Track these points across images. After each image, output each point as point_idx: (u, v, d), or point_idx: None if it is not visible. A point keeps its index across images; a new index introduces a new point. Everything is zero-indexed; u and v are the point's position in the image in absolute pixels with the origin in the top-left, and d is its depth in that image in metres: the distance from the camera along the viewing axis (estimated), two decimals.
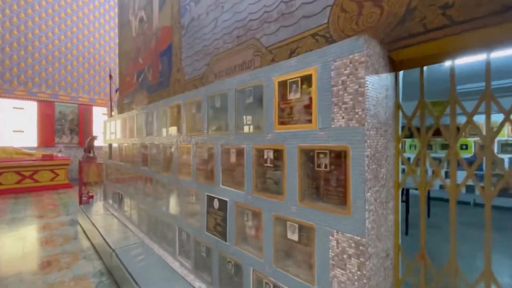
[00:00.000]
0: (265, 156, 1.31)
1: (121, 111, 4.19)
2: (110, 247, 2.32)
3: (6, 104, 6.97)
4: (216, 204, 1.61)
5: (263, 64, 1.72)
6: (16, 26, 6.98)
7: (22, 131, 7.25)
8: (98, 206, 3.76)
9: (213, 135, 1.65)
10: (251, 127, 1.45)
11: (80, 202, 4.47)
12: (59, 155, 7.04)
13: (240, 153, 1.46)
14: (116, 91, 4.45)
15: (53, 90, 7.56)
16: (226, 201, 1.53)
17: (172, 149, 2.15)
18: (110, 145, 3.77)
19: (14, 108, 7.10)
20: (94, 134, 7.77)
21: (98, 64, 8.38)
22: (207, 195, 1.69)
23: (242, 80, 1.43)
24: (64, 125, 7.82)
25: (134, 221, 2.84)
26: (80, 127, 7.99)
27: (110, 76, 4.26)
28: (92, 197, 3.95)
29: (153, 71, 2.98)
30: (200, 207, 1.76)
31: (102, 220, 3.14)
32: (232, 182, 1.52)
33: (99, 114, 8.50)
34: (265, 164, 1.31)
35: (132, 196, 2.91)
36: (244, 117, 1.48)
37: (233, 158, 1.52)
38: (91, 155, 7.51)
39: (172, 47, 2.74)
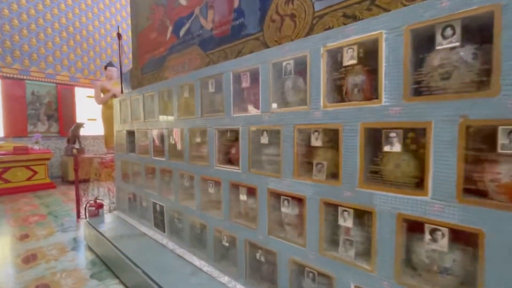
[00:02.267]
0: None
1: (138, 84, 2.98)
2: None
3: None
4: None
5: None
6: None
7: None
8: (114, 220, 2.61)
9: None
10: None
11: (78, 215, 3.26)
12: (36, 147, 5.56)
13: None
14: (122, 55, 3.16)
15: (22, 64, 5.92)
16: None
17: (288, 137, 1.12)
18: (131, 133, 2.60)
19: None
20: (79, 120, 6.30)
21: (79, 34, 6.76)
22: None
23: None
24: (39, 109, 6.24)
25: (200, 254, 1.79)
26: (60, 112, 6.45)
27: (119, 36, 3.00)
28: (101, 206, 2.78)
29: (219, 11, 1.84)
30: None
31: (142, 249, 2.02)
32: None
33: (82, 97, 6.96)
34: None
35: (193, 212, 1.84)
36: None
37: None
38: (77, 146, 6.08)
39: None
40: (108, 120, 6.41)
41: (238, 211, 1.55)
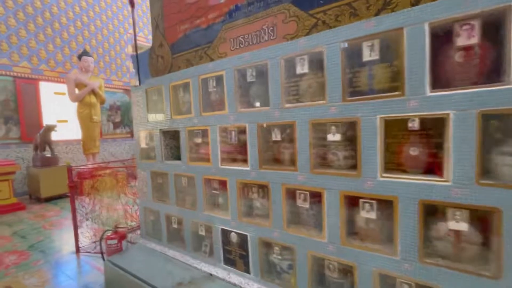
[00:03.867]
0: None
1: (164, 68, 2.19)
2: None
3: None
4: None
5: None
6: None
7: None
8: (149, 255, 1.85)
9: None
10: None
11: (77, 248, 2.41)
12: None
13: None
14: (136, 29, 2.36)
15: None
16: None
17: None
18: (170, 134, 1.86)
19: None
20: (48, 122, 5.10)
21: (41, 16, 5.48)
22: None
23: None
24: None
25: None
26: (21, 112, 5.17)
27: (132, 3, 2.20)
28: (124, 237, 1.99)
29: None
30: None
31: None
32: None
33: (50, 93, 5.70)
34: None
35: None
36: None
37: None
38: (49, 154, 4.93)
39: None
40: (86, 121, 5.30)
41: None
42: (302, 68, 1.20)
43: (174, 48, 2.07)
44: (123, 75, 6.79)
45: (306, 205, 1.25)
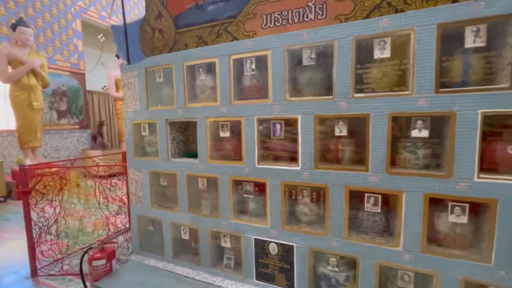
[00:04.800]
0: None
1: (164, 45, 1.78)
2: None
3: None
4: None
5: None
6: None
7: None
8: (150, 277, 1.48)
9: None
10: None
11: (35, 270, 1.89)
12: None
13: None
14: None
15: None
16: None
17: None
18: (179, 126, 1.51)
19: None
20: None
21: None
22: None
23: None
24: None
25: None
26: None
27: None
28: (114, 255, 1.58)
29: None
30: None
31: None
32: None
33: None
34: None
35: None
36: None
37: None
38: None
39: None
40: (23, 108, 4.27)
41: None
42: (382, 52, 1.03)
43: (178, 21, 1.69)
44: (71, 55, 5.71)
45: (376, 209, 1.10)
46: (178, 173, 1.52)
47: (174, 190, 1.57)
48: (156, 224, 1.66)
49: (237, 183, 1.38)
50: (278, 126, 1.24)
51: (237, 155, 1.36)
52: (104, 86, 6.91)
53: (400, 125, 1.05)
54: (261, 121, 1.28)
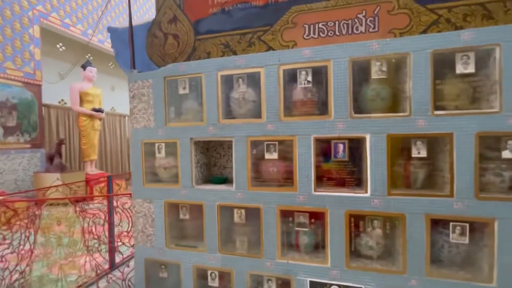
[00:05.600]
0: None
1: (179, 53, 1.52)
2: None
3: None
4: None
5: None
6: None
7: None
8: None
9: None
10: None
11: None
12: None
13: None
14: None
15: None
16: None
17: None
18: (203, 146, 1.25)
19: None
20: None
21: None
22: None
23: None
24: None
25: None
26: None
27: None
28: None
29: None
30: None
31: None
32: None
33: None
34: None
35: None
36: None
37: None
38: None
39: None
40: None
41: None
42: (465, 67, 0.96)
43: (199, 27, 1.48)
44: (25, 64, 4.94)
45: (464, 240, 0.97)
46: (206, 204, 1.25)
47: (198, 225, 1.28)
48: (172, 269, 1.32)
49: (287, 214, 1.16)
50: (341, 146, 1.08)
51: (287, 181, 1.15)
52: (62, 100, 6.13)
53: (488, 145, 0.97)
54: (316, 141, 1.11)
